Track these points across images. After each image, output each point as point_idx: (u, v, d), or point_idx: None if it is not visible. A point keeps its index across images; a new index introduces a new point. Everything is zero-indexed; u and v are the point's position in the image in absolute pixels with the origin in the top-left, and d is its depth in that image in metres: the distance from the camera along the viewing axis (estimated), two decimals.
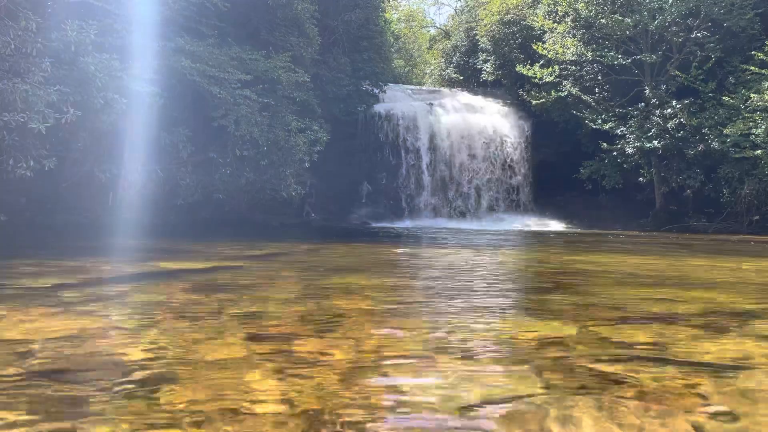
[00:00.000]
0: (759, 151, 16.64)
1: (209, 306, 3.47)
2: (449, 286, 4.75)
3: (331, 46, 18.77)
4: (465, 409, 1.72)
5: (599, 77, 21.36)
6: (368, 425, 1.59)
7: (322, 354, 2.34)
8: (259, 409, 1.70)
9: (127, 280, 4.83)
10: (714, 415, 1.71)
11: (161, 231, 10.97)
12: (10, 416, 1.62)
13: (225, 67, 12.12)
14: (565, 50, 21.19)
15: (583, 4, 20.50)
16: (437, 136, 22.78)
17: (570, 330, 2.87)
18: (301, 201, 16.67)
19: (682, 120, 18.59)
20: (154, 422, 1.59)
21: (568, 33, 21.50)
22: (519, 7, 25.17)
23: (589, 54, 20.46)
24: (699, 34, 18.70)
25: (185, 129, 11.62)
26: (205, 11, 12.86)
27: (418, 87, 29.46)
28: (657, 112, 19.25)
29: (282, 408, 1.71)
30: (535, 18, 23.09)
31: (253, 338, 2.63)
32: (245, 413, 1.66)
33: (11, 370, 2.06)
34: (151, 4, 11.01)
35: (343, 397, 1.82)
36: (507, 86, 25.87)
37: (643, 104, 19.84)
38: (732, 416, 1.71)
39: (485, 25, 26.33)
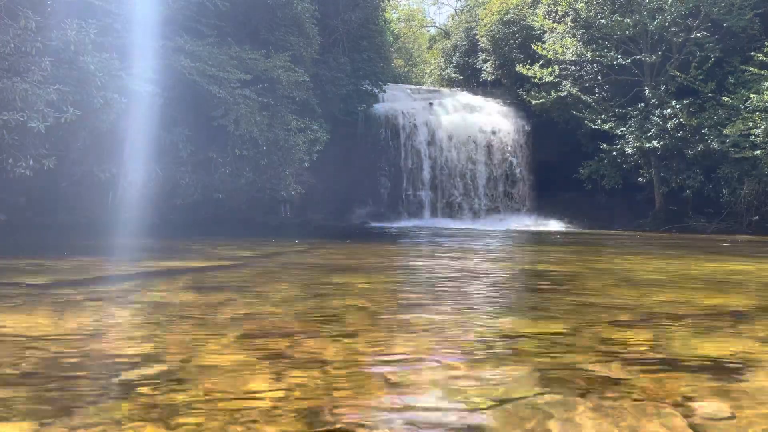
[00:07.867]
0: (758, 152, 16.63)
1: (209, 305, 3.47)
2: (449, 286, 4.75)
3: (331, 46, 18.75)
4: (464, 408, 1.72)
5: (599, 77, 21.35)
6: (368, 423, 1.59)
7: (322, 352, 2.35)
8: (258, 407, 1.70)
9: (127, 279, 4.83)
10: (713, 416, 1.71)
11: (161, 230, 10.97)
12: (9, 414, 1.62)
13: (225, 67, 12.10)
14: (565, 50, 21.19)
15: (583, 4, 20.49)
16: (437, 135, 22.77)
17: (570, 330, 2.88)
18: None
19: (681, 120, 18.58)
20: (153, 421, 1.59)
21: (568, 33, 21.49)
22: (519, 7, 25.16)
23: (589, 54, 20.46)
24: (699, 34, 18.69)
25: (185, 129, 11.61)
26: (204, 11, 12.84)
27: (418, 87, 29.43)
28: (656, 112, 19.24)
29: (282, 406, 1.71)
30: (535, 18, 23.09)
31: (252, 337, 2.63)
32: (245, 412, 1.67)
33: (10, 368, 2.06)
34: (151, 3, 10.99)
35: (342, 395, 1.82)
36: (507, 86, 25.86)
37: (642, 104, 19.83)
38: (731, 417, 1.71)
39: (485, 25, 26.31)
